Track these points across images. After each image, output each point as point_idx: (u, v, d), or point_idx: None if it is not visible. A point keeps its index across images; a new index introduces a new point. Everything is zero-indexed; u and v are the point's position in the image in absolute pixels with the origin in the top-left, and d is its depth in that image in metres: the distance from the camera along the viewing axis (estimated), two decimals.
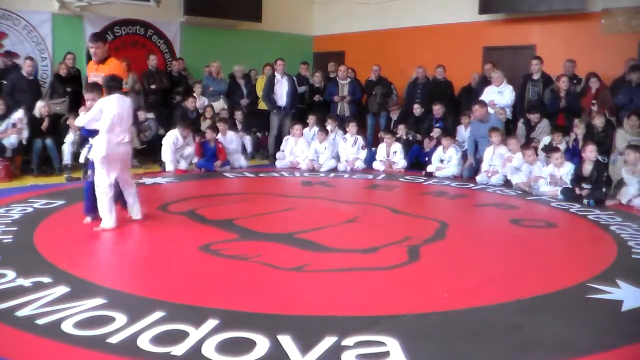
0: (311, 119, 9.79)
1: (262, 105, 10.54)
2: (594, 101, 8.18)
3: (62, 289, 3.54)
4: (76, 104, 9.04)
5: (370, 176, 8.67)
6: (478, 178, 8.10)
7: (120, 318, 3.11)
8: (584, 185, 6.71)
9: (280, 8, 12.56)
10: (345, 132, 9.50)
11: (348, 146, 9.32)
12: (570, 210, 6.41)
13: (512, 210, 6.40)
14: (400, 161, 9.06)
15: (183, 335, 2.93)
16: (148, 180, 7.47)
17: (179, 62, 10.56)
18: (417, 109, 9.71)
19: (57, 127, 8.32)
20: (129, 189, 5.33)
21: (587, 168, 6.78)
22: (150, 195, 6.40)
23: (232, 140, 9.22)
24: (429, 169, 8.67)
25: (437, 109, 9.38)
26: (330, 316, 3.26)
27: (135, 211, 5.36)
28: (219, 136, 8.99)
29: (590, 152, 6.75)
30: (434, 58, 10.35)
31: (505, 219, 6.04)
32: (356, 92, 10.38)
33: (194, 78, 10.56)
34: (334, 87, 10.38)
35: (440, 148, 8.70)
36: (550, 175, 7.15)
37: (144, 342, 2.85)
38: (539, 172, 7.35)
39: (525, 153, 7.53)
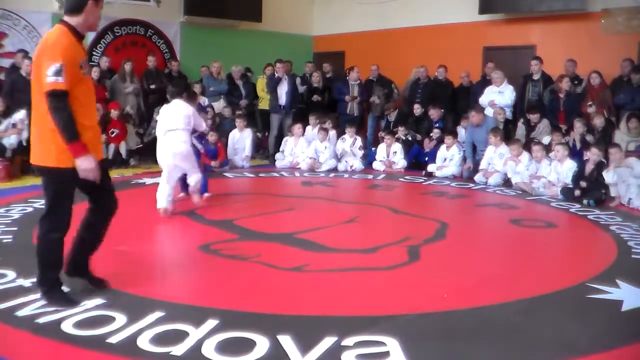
0: (312, 118, 9.80)
1: (262, 105, 10.56)
2: (590, 102, 8.21)
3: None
4: None
5: (370, 176, 8.67)
6: (476, 177, 8.11)
7: (120, 318, 3.11)
8: (582, 184, 6.72)
9: (280, 8, 12.56)
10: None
11: (347, 146, 9.32)
12: (570, 210, 6.41)
13: (512, 210, 6.40)
14: (400, 161, 9.06)
15: (183, 335, 2.93)
16: (148, 180, 7.47)
17: (176, 63, 10.58)
18: (418, 109, 9.71)
19: None
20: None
21: (589, 168, 6.81)
22: (150, 195, 6.39)
23: (248, 136, 9.35)
24: (430, 168, 8.68)
25: (433, 113, 9.37)
26: (330, 316, 3.26)
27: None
28: (235, 131, 9.15)
29: (595, 155, 6.76)
30: (434, 58, 10.35)
31: (505, 219, 6.04)
32: (364, 93, 10.41)
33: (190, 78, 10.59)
34: (344, 87, 10.39)
35: (443, 147, 8.70)
36: (548, 183, 7.16)
37: (144, 342, 2.85)
38: (544, 171, 7.35)
39: (534, 149, 7.54)
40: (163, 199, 5.65)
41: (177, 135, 5.61)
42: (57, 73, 2.99)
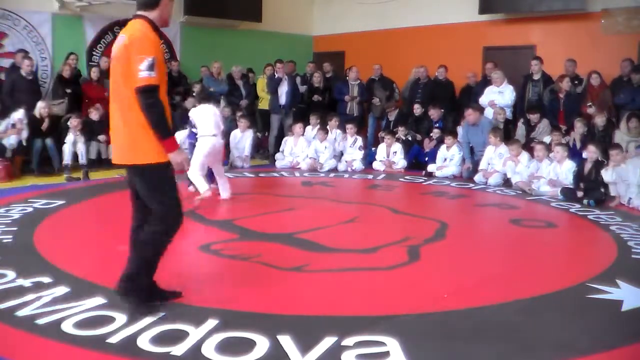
0: (313, 118, 9.81)
1: (262, 105, 10.56)
2: (589, 103, 8.22)
3: (62, 289, 3.54)
4: (77, 105, 9.04)
5: (370, 176, 8.67)
6: (476, 177, 8.12)
7: (120, 318, 3.11)
8: (581, 185, 6.72)
9: (280, 8, 12.56)
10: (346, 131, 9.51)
11: (347, 146, 9.32)
12: (570, 210, 6.41)
13: (512, 210, 6.40)
14: (400, 161, 9.06)
15: (183, 335, 2.93)
16: None
17: (177, 63, 10.60)
18: (418, 109, 9.71)
19: (57, 128, 8.31)
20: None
21: (588, 167, 6.82)
22: None
23: (249, 136, 9.35)
24: (430, 168, 8.68)
25: (433, 113, 9.37)
26: (330, 316, 3.26)
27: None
28: (237, 131, 9.19)
29: (592, 153, 6.77)
30: (434, 58, 10.35)
31: (505, 219, 6.04)
32: (364, 93, 10.41)
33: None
34: (344, 87, 10.38)
35: (443, 147, 8.70)
36: (549, 180, 7.17)
37: (144, 342, 2.85)
38: (544, 171, 7.35)
39: (536, 148, 7.54)
40: (204, 184, 6.19)
41: (211, 133, 6.27)
42: (150, 67, 2.87)
